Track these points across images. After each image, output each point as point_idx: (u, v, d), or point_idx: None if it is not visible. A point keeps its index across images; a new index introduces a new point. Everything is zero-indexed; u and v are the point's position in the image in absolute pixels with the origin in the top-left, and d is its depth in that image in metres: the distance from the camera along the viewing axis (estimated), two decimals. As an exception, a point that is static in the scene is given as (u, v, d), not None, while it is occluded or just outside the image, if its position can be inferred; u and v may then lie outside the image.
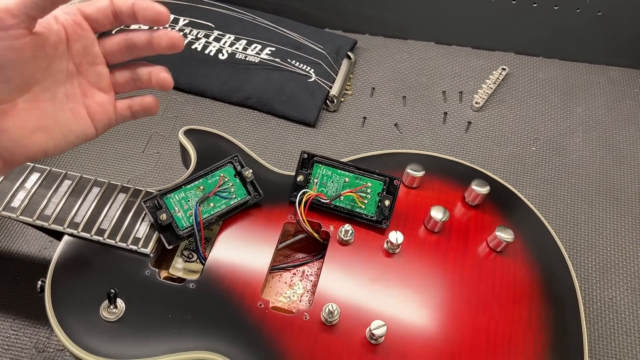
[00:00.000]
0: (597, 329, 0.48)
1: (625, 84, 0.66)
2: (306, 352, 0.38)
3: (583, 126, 0.62)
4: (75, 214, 0.42)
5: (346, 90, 0.65)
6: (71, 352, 0.36)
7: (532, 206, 0.48)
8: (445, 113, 0.63)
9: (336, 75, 0.64)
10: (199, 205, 0.41)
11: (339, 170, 0.45)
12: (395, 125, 0.62)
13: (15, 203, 0.42)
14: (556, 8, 0.64)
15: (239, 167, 0.44)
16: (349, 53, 0.67)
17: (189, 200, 0.42)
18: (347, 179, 0.45)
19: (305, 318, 0.39)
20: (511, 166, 0.58)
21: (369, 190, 0.45)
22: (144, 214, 0.42)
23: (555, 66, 0.68)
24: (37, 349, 0.46)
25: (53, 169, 0.44)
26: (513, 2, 0.64)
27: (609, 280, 0.51)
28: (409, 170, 0.47)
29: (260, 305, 0.39)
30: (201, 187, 0.42)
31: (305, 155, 0.45)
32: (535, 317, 0.42)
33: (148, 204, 0.41)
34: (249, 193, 0.44)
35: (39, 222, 0.42)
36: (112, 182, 0.44)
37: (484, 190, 0.46)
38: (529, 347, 0.40)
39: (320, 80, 0.63)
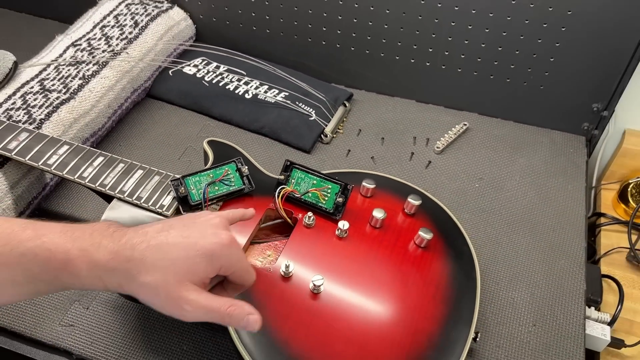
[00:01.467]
0: (491, 311, 0.63)
1: (563, 144, 0.82)
2: (266, 291, 0.55)
3: (521, 173, 0.78)
4: (123, 185, 0.61)
5: (338, 129, 0.84)
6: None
7: (452, 216, 0.64)
8: (412, 153, 0.81)
9: (332, 117, 0.83)
10: (207, 187, 0.60)
11: (310, 175, 0.63)
12: (372, 158, 0.80)
13: (85, 174, 0.62)
14: (508, 80, 0.82)
15: (239, 165, 0.63)
16: (345, 102, 0.87)
17: (201, 183, 0.60)
18: (315, 182, 0.63)
19: (269, 270, 0.56)
20: (456, 196, 0.75)
21: (329, 191, 0.62)
22: (170, 190, 0.61)
23: (509, 126, 0.85)
24: (82, 305, 0.64)
25: (113, 155, 0.64)
26: (475, 73, 0.83)
27: (514, 286, 0.65)
28: (364, 183, 0.64)
29: None
30: (211, 175, 0.61)
31: (288, 162, 0.63)
32: (440, 293, 0.57)
33: (174, 183, 0.60)
34: (244, 184, 0.62)
35: (99, 188, 0.61)
36: (151, 167, 0.63)
37: (417, 202, 0.63)
38: (430, 312, 0.56)
39: (319, 120, 0.82)
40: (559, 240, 0.70)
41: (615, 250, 0.77)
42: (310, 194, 0.62)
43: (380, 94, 0.91)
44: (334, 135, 0.83)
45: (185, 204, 0.60)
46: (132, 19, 0.86)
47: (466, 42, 0.80)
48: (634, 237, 0.77)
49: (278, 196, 0.61)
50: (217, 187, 0.61)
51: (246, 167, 0.63)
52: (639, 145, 0.82)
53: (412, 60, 0.85)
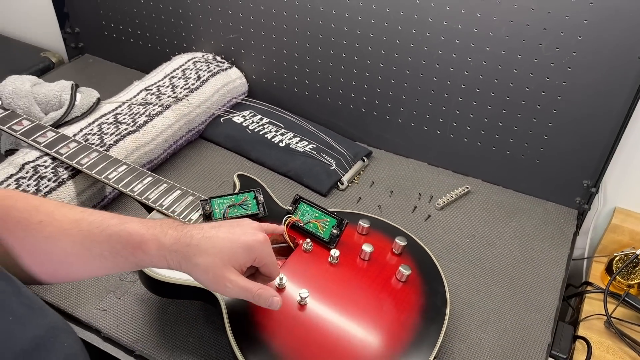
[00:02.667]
0: (459, 348, 0.70)
1: (555, 215, 0.90)
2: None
3: (510, 234, 0.87)
4: (163, 200, 0.76)
5: (354, 179, 0.96)
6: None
7: (435, 260, 0.73)
8: (415, 206, 0.91)
9: (350, 169, 0.96)
10: (227, 208, 0.73)
11: (314, 208, 0.75)
12: (378, 206, 0.91)
13: (135, 189, 0.77)
14: (508, 152, 0.92)
15: (257, 194, 0.76)
16: (364, 158, 0.99)
17: (224, 205, 0.74)
18: (317, 214, 0.75)
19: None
20: (447, 247, 0.84)
21: (327, 223, 0.74)
22: (199, 208, 0.75)
23: (508, 194, 0.94)
24: (116, 295, 0.78)
25: (159, 177, 0.79)
26: (479, 143, 0.94)
27: (484, 328, 0.73)
28: (360, 222, 0.76)
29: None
30: (232, 200, 0.75)
31: (297, 197, 0.76)
32: (409, 321, 0.66)
33: (202, 202, 0.74)
34: (259, 210, 0.75)
35: (144, 200, 0.76)
36: (188, 189, 0.78)
37: (403, 243, 0.73)
38: (397, 335, 0.65)
39: (338, 170, 0.95)
40: (534, 296, 0.78)
41: (596, 316, 0.83)
42: (311, 224, 0.74)
43: (397, 155, 1.03)
44: (350, 185, 0.95)
45: (209, 221, 0.73)
46: (196, 73, 1.04)
47: (471, 116, 0.92)
48: (612, 307, 0.82)
49: (284, 223, 0.74)
50: (236, 210, 0.75)
51: (262, 196, 0.76)
52: (627, 223, 0.89)
53: (425, 128, 0.97)
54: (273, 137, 1.01)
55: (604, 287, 0.87)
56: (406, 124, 0.99)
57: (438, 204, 0.91)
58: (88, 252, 0.54)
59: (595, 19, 0.75)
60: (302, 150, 0.98)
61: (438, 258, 0.75)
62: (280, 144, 1.00)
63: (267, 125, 1.04)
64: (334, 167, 0.96)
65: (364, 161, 1.00)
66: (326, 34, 0.97)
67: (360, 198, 0.93)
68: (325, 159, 0.97)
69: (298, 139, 1.01)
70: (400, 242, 0.74)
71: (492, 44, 0.84)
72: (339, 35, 0.95)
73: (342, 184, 0.94)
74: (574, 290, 0.91)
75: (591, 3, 0.74)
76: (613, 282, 0.87)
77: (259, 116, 1.06)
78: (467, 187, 0.95)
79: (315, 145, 0.99)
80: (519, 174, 0.93)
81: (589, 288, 0.88)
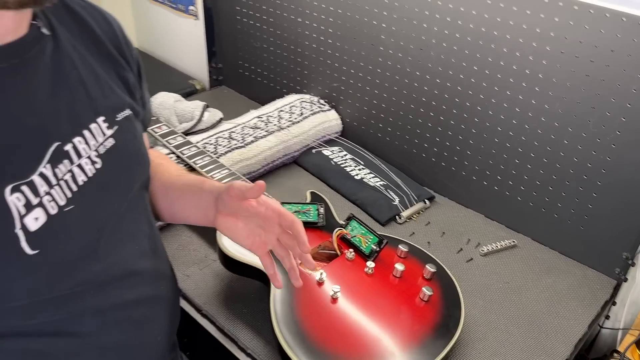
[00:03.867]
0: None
1: (592, 280, 0.96)
2: (306, 286, 0.82)
3: (543, 288, 0.94)
4: (248, 200, 0.96)
5: (412, 217, 1.10)
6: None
7: (459, 291, 0.85)
8: (461, 249, 1.02)
9: (410, 207, 1.10)
10: (293, 212, 0.91)
11: (362, 226, 0.91)
12: (428, 242, 1.04)
13: (231, 188, 0.99)
14: (556, 216, 1.00)
15: (319, 207, 0.93)
16: (426, 200, 1.13)
17: (291, 210, 0.92)
18: (363, 231, 0.90)
19: (310, 274, 0.84)
20: (479, 287, 0.94)
21: (370, 240, 0.89)
22: (273, 210, 0.94)
23: (552, 254, 1.02)
24: (199, 267, 0.99)
25: (249, 182, 1.00)
26: (530, 204, 1.03)
27: (491, 355, 0.82)
28: (399, 245, 0.90)
29: (298, 262, 0.86)
30: (299, 208, 0.93)
31: (351, 215, 0.92)
32: (420, 330, 0.79)
33: (276, 206, 0.93)
34: (318, 220, 0.92)
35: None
36: (269, 195, 0.97)
37: (432, 269, 0.86)
38: (407, 338, 0.77)
39: (400, 206, 1.09)
40: (548, 343, 0.85)
41: (614, 381, 0.87)
42: (357, 238, 0.90)
43: (457, 203, 1.15)
44: (407, 220, 1.09)
45: (277, 220, 0.92)
46: (300, 110, 1.26)
47: (525, 177, 1.02)
48: (631, 374, 0.86)
49: (334, 234, 0.90)
50: (300, 216, 0.92)
51: (323, 209, 0.93)
52: (663, 300, 0.92)
53: (485, 183, 1.09)
54: (351, 170, 1.19)
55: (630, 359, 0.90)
56: (469, 177, 1.11)
57: (482, 250, 1.01)
58: (182, 200, 0.77)
59: (638, 104, 0.84)
60: (372, 184, 1.14)
61: (466, 294, 0.86)
62: (356, 177, 1.17)
63: (349, 160, 1.22)
64: (396, 202, 1.10)
65: (425, 203, 1.13)
66: (409, 93, 1.13)
67: (414, 233, 1.06)
68: (391, 194, 1.12)
69: (372, 175, 1.17)
70: (430, 268, 0.86)
71: (546, 115, 0.95)
72: (420, 95, 1.12)
73: (400, 217, 1.08)
74: (598, 355, 0.95)
75: (634, 90, 0.84)
76: (642, 355, 0.90)
77: (345, 152, 1.24)
78: (514, 242, 1.04)
79: (385, 182, 1.15)
80: (564, 237, 1.01)
81: (615, 355, 0.92)
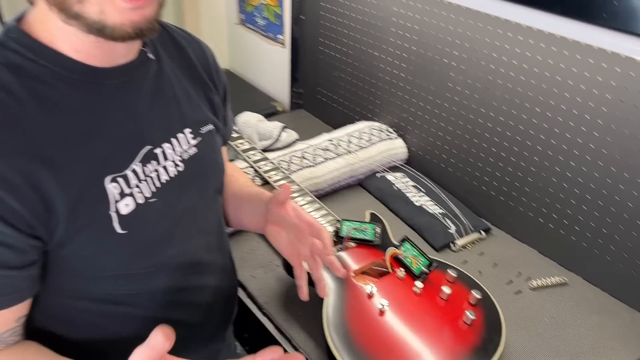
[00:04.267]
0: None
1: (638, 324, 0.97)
2: (356, 298, 0.91)
3: (589, 326, 0.97)
4: (311, 213, 1.06)
5: (467, 246, 1.15)
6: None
7: (502, 318, 0.89)
8: (511, 281, 1.07)
9: (465, 236, 1.16)
10: (351, 230, 1.00)
11: (414, 248, 0.98)
12: (479, 271, 1.09)
13: (296, 201, 1.09)
14: (609, 259, 1.02)
15: (376, 227, 1.01)
16: (482, 231, 1.18)
17: (350, 227, 1.01)
18: (414, 253, 0.97)
19: (362, 287, 0.92)
20: (524, 319, 0.98)
21: (421, 262, 0.96)
22: (333, 224, 1.03)
23: (602, 295, 1.03)
24: (264, 271, 1.10)
25: (316, 199, 1.10)
26: (584, 245, 1.06)
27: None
28: (449, 270, 0.96)
29: (352, 275, 0.94)
30: (357, 225, 1.02)
31: (405, 237, 1.00)
32: (458, 349, 0.84)
33: (336, 221, 1.02)
34: (374, 238, 1.00)
35: (301, 211, 1.07)
36: (331, 212, 1.07)
37: (478, 296, 0.92)
38: (444, 354, 0.83)
39: (455, 234, 1.15)
40: (586, 380, 0.87)
41: None
42: (408, 259, 0.97)
43: (513, 237, 1.19)
44: (462, 249, 1.15)
45: (336, 235, 1.01)
46: (369, 136, 1.36)
47: (580, 218, 1.05)
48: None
49: (388, 253, 0.98)
50: (357, 233, 1.01)
51: (380, 229, 1.01)
52: None
53: (541, 220, 1.12)
54: (412, 196, 1.26)
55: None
56: (525, 212, 1.15)
57: (532, 284, 1.05)
58: (243, 208, 0.89)
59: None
60: (430, 211, 1.21)
61: (510, 323, 0.90)
62: (415, 203, 1.24)
63: (411, 187, 1.29)
64: (452, 230, 1.16)
65: (480, 234, 1.18)
66: (474, 128, 1.20)
67: (467, 261, 1.11)
68: (447, 222, 1.18)
69: (431, 202, 1.24)
70: (476, 294, 0.92)
71: (604, 160, 0.98)
72: (483, 131, 1.18)
73: (455, 245, 1.14)
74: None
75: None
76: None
77: (407, 179, 1.32)
78: (565, 279, 1.06)
79: (443, 211, 1.21)
80: (616, 280, 1.02)
81: (658, 402, 0.92)
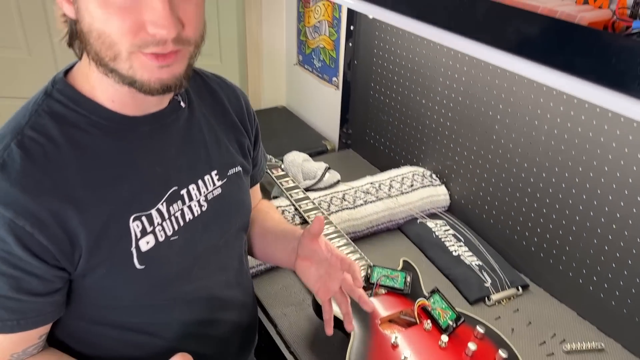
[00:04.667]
0: None
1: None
2: (380, 346, 0.92)
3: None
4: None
5: (502, 302, 1.14)
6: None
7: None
8: (544, 341, 1.04)
9: (501, 291, 1.14)
10: (381, 276, 1.01)
11: (443, 300, 0.98)
12: (512, 329, 1.07)
13: (333, 242, 1.12)
14: (651, 328, 0.98)
15: (407, 275, 1.02)
16: (519, 287, 1.16)
17: (380, 273, 1.03)
18: (443, 306, 0.97)
19: (387, 336, 0.93)
20: (553, 383, 0.95)
21: (449, 315, 0.96)
22: (365, 269, 1.05)
23: (642, 367, 0.99)
24: (296, 309, 1.12)
25: (351, 242, 1.12)
26: (624, 311, 1.02)
27: None
28: (477, 326, 0.95)
29: (378, 323, 0.96)
30: (388, 272, 1.03)
31: (435, 288, 1.00)
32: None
33: (368, 266, 1.04)
34: (403, 287, 1.01)
35: (335, 253, 1.10)
36: (364, 255, 1.09)
37: (504, 355, 0.90)
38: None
39: (491, 288, 1.14)
40: None
41: None
42: (436, 311, 0.97)
43: (551, 295, 1.16)
44: (496, 304, 1.13)
45: (366, 281, 1.03)
46: (411, 182, 1.37)
47: (621, 283, 1.01)
48: None
49: (416, 303, 0.98)
50: (388, 281, 1.02)
51: (410, 278, 1.02)
52: None
53: (580, 281, 1.09)
54: (450, 245, 1.26)
55: None
56: (565, 271, 1.12)
57: (566, 347, 1.02)
58: (275, 244, 0.92)
59: None
60: (468, 262, 1.20)
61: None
62: (453, 253, 1.24)
63: (450, 236, 1.29)
64: (488, 284, 1.15)
65: (517, 290, 1.16)
66: (516, 181, 1.19)
67: (500, 317, 1.10)
68: (484, 275, 1.17)
69: (469, 253, 1.23)
70: (502, 353, 0.91)
71: (647, 225, 0.95)
72: (525, 185, 1.17)
73: (490, 300, 1.12)
74: None
75: None
76: None
77: (448, 227, 1.32)
78: (602, 345, 1.02)
79: (480, 263, 1.20)
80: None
81: None
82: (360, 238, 1.31)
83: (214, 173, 0.80)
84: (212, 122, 0.82)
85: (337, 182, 1.36)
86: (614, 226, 1.01)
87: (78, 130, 0.67)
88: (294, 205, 1.25)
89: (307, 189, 1.34)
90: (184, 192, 0.76)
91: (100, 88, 0.68)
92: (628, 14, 0.82)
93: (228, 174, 0.83)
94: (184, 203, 0.75)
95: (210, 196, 0.79)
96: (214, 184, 0.80)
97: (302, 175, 1.39)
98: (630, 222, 0.98)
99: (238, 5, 1.98)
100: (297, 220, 1.23)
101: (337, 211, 1.26)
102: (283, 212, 1.24)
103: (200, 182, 0.78)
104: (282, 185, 1.32)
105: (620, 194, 0.99)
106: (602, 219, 1.03)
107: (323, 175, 1.36)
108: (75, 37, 0.66)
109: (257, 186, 1.01)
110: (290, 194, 1.28)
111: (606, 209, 1.02)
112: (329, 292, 0.84)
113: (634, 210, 0.97)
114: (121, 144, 0.70)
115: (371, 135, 1.65)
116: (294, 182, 1.33)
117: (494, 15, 0.89)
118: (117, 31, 0.59)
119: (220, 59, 2.13)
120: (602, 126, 0.99)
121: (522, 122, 1.14)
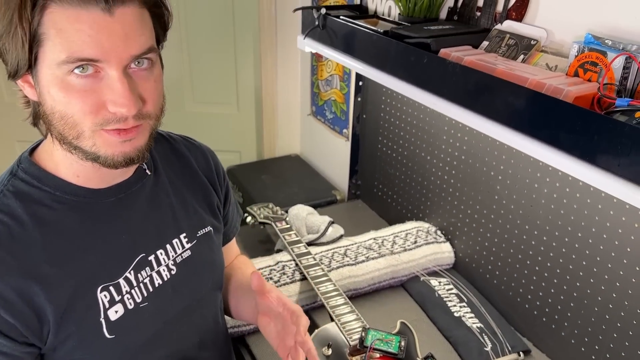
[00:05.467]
0: None
1: None
2: None
3: None
4: (342, 317, 1.08)
5: (502, 367, 1.11)
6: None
7: None
8: (543, 413, 1.01)
9: (502, 356, 1.12)
10: (376, 339, 1.01)
11: (435, 368, 0.97)
12: (509, 397, 1.04)
13: (331, 303, 1.12)
14: (654, 404, 0.94)
15: (402, 340, 1.01)
16: (521, 352, 1.13)
17: (375, 337, 1.02)
18: (436, 373, 0.96)
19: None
20: None
21: (440, 383, 0.94)
22: (360, 332, 1.05)
23: None
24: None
25: (348, 301, 1.12)
26: (628, 383, 0.98)
27: None
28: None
29: None
30: (383, 336, 1.02)
31: (429, 354, 0.99)
32: None
33: (362, 329, 1.04)
34: (398, 352, 1.00)
35: (329, 310, 1.10)
36: (361, 317, 1.08)
37: None
38: None
39: (491, 353, 1.12)
40: None
41: None
42: (431, 381, 0.96)
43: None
44: (496, 369, 1.10)
45: (360, 344, 1.02)
46: (415, 238, 1.37)
47: (623, 354, 0.98)
48: None
49: (410, 369, 0.97)
50: (382, 345, 1.02)
51: (405, 342, 1.01)
52: None
53: (582, 349, 1.06)
54: (452, 305, 1.24)
55: None
56: (567, 338, 1.09)
57: (565, 420, 0.99)
58: (241, 301, 0.92)
59: None
60: (469, 324, 1.18)
61: None
62: (455, 314, 1.22)
63: (453, 295, 1.27)
64: (488, 348, 1.13)
65: (519, 355, 1.13)
66: (518, 243, 1.18)
67: (498, 384, 1.07)
68: (485, 339, 1.15)
69: (471, 315, 1.21)
70: None
71: (647, 296, 0.93)
72: (527, 248, 1.16)
73: (489, 365, 1.10)
74: None
75: None
76: None
77: (451, 286, 1.31)
78: (604, 419, 0.99)
79: (481, 325, 1.18)
80: None
81: None
82: (362, 295, 1.30)
83: (182, 236, 0.82)
84: (178, 185, 0.84)
85: (340, 237, 1.37)
86: (614, 295, 0.99)
87: (42, 207, 0.69)
88: (295, 260, 1.26)
89: (309, 243, 1.35)
90: (152, 258, 0.77)
91: (64, 164, 0.71)
92: (616, 90, 0.82)
93: (197, 235, 0.84)
94: (152, 269, 0.76)
95: (179, 259, 0.80)
96: (183, 247, 0.81)
97: (306, 228, 1.40)
98: (629, 292, 0.96)
99: (255, 56, 2.04)
100: (297, 276, 1.24)
101: (338, 267, 1.26)
102: (284, 267, 1.25)
103: (168, 246, 0.79)
104: (285, 239, 1.33)
105: (619, 262, 0.97)
106: (602, 287, 1.01)
107: (326, 229, 1.37)
108: (39, 117, 0.69)
109: (233, 242, 1.02)
110: (292, 249, 1.29)
111: (606, 276, 1.00)
112: (286, 349, 0.79)
113: (633, 280, 0.95)
114: (86, 216, 0.72)
115: (379, 188, 1.66)
116: (297, 236, 1.34)
117: (484, 86, 0.90)
118: (79, 112, 0.62)
119: (238, 108, 2.19)
120: (600, 193, 0.98)
121: (522, 185, 1.14)
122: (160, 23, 0.69)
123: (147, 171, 0.80)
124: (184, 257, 0.81)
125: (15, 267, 0.66)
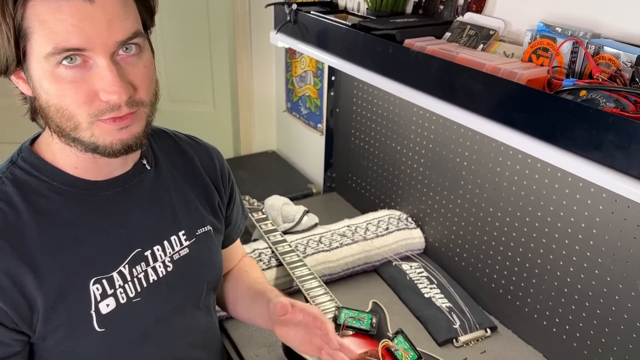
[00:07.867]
0: None
1: None
2: None
3: None
4: (317, 298, 1.12)
5: (470, 343, 1.16)
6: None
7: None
8: (508, 383, 1.06)
9: (470, 333, 1.17)
10: (349, 317, 1.05)
11: (406, 342, 1.01)
12: (476, 370, 1.09)
13: (306, 285, 1.16)
14: (609, 370, 1.00)
15: (373, 317, 1.06)
16: (488, 329, 1.19)
17: (347, 315, 1.06)
18: (406, 347, 1.00)
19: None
20: None
21: (410, 356, 0.99)
22: (333, 310, 1.09)
23: (603, 408, 1.00)
24: (268, 350, 1.16)
25: (326, 287, 1.17)
26: (585, 352, 1.04)
27: None
28: (438, 366, 0.98)
29: None
30: (355, 314, 1.07)
31: (399, 330, 1.03)
32: None
33: (336, 309, 1.08)
34: (370, 328, 1.04)
35: (305, 293, 1.14)
36: (335, 299, 1.13)
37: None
38: None
39: (459, 330, 1.17)
40: None
41: None
42: (399, 352, 1.00)
43: (519, 338, 1.18)
44: (464, 345, 1.16)
45: (334, 322, 1.07)
46: (387, 225, 1.42)
47: (581, 325, 1.04)
48: None
49: (380, 344, 1.02)
50: (354, 322, 1.06)
51: (376, 320, 1.06)
52: None
53: (544, 323, 1.12)
54: (423, 287, 1.29)
55: None
56: (531, 314, 1.15)
57: (529, 389, 1.04)
58: (251, 307, 0.94)
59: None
60: (438, 304, 1.24)
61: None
62: (425, 295, 1.27)
63: (424, 278, 1.33)
64: (456, 326, 1.18)
65: (486, 331, 1.19)
66: (483, 225, 1.24)
67: (467, 359, 1.12)
68: (453, 317, 1.20)
69: (440, 295, 1.27)
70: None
71: (602, 271, 0.99)
72: (492, 229, 1.21)
73: (457, 341, 1.15)
74: None
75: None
76: None
77: (422, 269, 1.36)
78: (565, 387, 1.05)
79: (450, 305, 1.24)
80: (618, 394, 1.00)
81: None
82: (336, 280, 1.34)
83: (181, 233, 0.81)
84: (180, 183, 0.84)
85: (315, 225, 1.41)
86: (571, 269, 1.05)
87: (39, 196, 0.70)
88: (271, 247, 1.30)
89: (285, 232, 1.39)
90: (148, 253, 0.77)
91: (62, 156, 0.72)
92: (565, 73, 0.88)
93: (197, 233, 0.84)
94: (148, 265, 0.76)
95: (176, 256, 0.80)
96: (181, 244, 0.81)
97: (282, 218, 1.44)
98: (585, 265, 1.02)
99: (230, 55, 2.08)
100: (274, 262, 1.27)
101: (313, 253, 1.31)
102: (260, 254, 1.29)
103: (166, 243, 0.79)
104: (262, 228, 1.37)
105: (574, 238, 1.03)
106: (561, 262, 1.07)
107: (301, 218, 1.41)
108: (36, 112, 0.70)
109: (238, 244, 1.02)
110: (268, 237, 1.33)
111: (563, 252, 1.06)
112: (315, 348, 0.82)
113: (588, 254, 1.01)
114: (83, 208, 0.72)
115: (353, 180, 1.71)
116: (272, 225, 1.38)
117: (446, 73, 0.96)
118: (73, 103, 0.63)
119: (214, 107, 2.22)
120: (556, 172, 1.04)
121: (486, 169, 1.20)
122: (146, 7, 0.69)
123: (147, 166, 0.80)
124: (181, 255, 0.81)
125: (9, 253, 0.66)
